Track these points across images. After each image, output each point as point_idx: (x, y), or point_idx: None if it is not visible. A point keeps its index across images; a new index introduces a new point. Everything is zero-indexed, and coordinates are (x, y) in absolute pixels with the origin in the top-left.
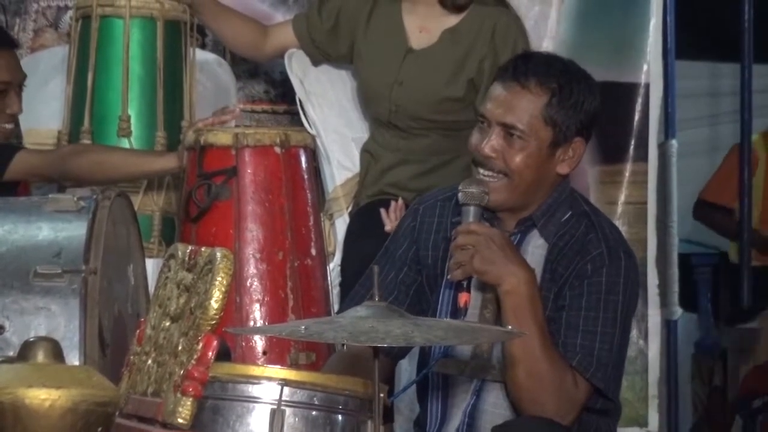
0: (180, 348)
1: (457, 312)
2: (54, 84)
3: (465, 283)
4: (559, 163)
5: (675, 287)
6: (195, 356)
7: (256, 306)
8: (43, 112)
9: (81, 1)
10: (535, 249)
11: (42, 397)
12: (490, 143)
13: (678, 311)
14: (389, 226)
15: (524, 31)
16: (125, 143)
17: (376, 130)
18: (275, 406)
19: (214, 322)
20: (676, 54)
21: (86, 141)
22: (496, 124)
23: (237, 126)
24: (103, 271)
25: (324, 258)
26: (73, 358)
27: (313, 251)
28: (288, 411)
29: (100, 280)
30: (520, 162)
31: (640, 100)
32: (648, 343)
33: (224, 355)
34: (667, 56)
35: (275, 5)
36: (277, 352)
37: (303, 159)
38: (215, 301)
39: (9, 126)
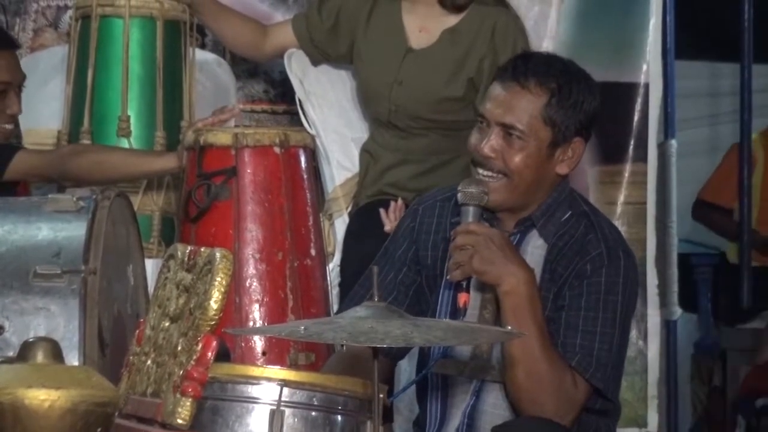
0: (179, 348)
1: (456, 312)
2: (54, 84)
3: (464, 284)
4: (559, 164)
5: (674, 287)
6: (194, 357)
7: (256, 306)
8: (43, 112)
9: (81, 1)
10: (535, 249)
11: (41, 397)
12: (490, 143)
13: (677, 311)
14: (389, 226)
15: (524, 31)
16: (125, 143)
17: (375, 130)
18: (275, 407)
19: (213, 322)
20: (676, 54)
21: (86, 141)
22: (495, 124)
23: (236, 126)
24: (102, 272)
25: (323, 258)
26: (73, 359)
27: (313, 251)
28: (287, 411)
29: (100, 280)
30: (519, 162)
31: (639, 100)
32: (647, 343)
33: (224, 355)
34: (666, 56)
35: (275, 5)
36: (276, 353)
37: (302, 159)
38: (214, 302)
39: (9, 126)
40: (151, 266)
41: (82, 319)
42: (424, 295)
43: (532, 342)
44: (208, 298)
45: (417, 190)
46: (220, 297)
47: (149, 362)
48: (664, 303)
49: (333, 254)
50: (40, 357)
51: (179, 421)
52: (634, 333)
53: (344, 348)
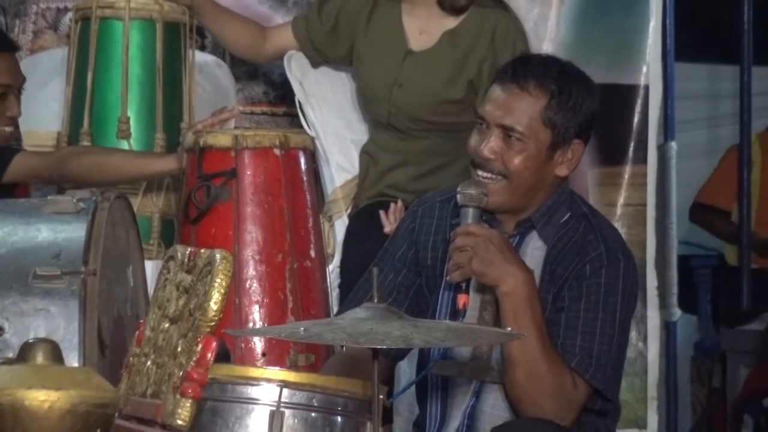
0: (179, 349)
1: (456, 313)
2: (53, 86)
3: (464, 285)
4: (558, 165)
5: (674, 289)
6: (194, 358)
7: (256, 307)
8: (43, 114)
9: (80, 3)
10: (534, 250)
11: (41, 398)
12: (489, 145)
13: (677, 313)
14: (388, 227)
15: (524, 33)
16: (124, 145)
17: (375, 131)
18: (274, 408)
19: (213, 323)
20: (676, 56)
21: (85, 142)
22: (495, 126)
23: (236, 128)
24: (102, 273)
25: (323, 260)
26: (73, 360)
27: (313, 253)
28: (287, 412)
29: (100, 281)
30: (519, 164)
31: (639, 102)
32: (647, 344)
33: (223, 356)
34: (666, 58)
35: (274, 7)
36: (276, 354)
37: (302, 161)
38: (214, 303)
39: (8, 129)
40: (151, 268)
41: (81, 320)
42: (423, 297)
43: (532, 343)
44: (207, 300)
45: (417, 192)
46: (219, 298)
47: (149, 363)
48: (663, 304)
49: (333, 256)
50: (39, 358)
51: (179, 422)
52: (633, 334)
53: (344, 349)
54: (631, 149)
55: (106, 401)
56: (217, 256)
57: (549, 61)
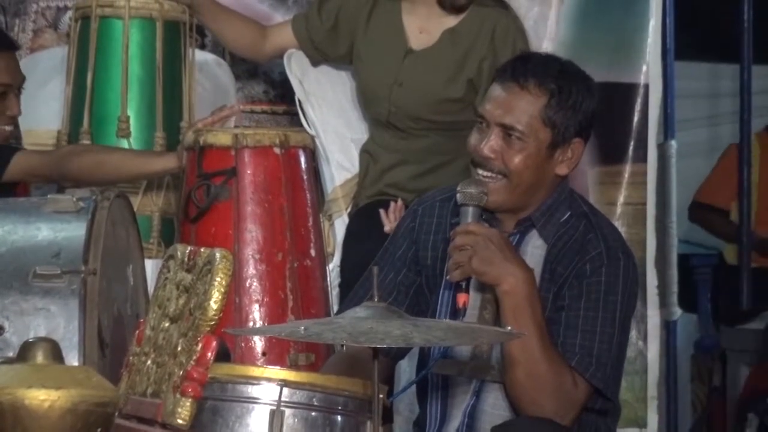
0: (179, 349)
1: (456, 313)
2: (53, 85)
3: (464, 284)
4: (558, 164)
5: (674, 288)
6: (194, 357)
7: (256, 307)
8: (43, 113)
9: (80, 2)
10: (534, 249)
11: (41, 397)
12: (489, 144)
13: (677, 312)
14: (388, 226)
15: (524, 32)
16: (124, 144)
17: (375, 130)
18: (274, 407)
19: (213, 322)
20: (676, 55)
21: (85, 141)
22: (494, 124)
23: (236, 126)
24: (102, 272)
25: (323, 259)
26: (73, 359)
27: (313, 252)
28: (287, 412)
29: (100, 280)
30: (519, 163)
31: (639, 101)
32: (647, 343)
33: (223, 355)
34: (666, 57)
35: (274, 6)
36: (276, 353)
37: (302, 160)
38: (214, 302)
39: (8, 128)
40: (151, 267)
41: (81, 319)
42: (423, 296)
43: (532, 342)
44: (207, 299)
45: (417, 191)
46: (219, 297)
47: (149, 362)
48: (663, 303)
49: (333, 255)
50: (40, 357)
51: (179, 421)
52: (633, 333)
53: (344, 348)
54: (631, 148)
55: (107, 400)
56: (217, 255)
57: (549, 60)
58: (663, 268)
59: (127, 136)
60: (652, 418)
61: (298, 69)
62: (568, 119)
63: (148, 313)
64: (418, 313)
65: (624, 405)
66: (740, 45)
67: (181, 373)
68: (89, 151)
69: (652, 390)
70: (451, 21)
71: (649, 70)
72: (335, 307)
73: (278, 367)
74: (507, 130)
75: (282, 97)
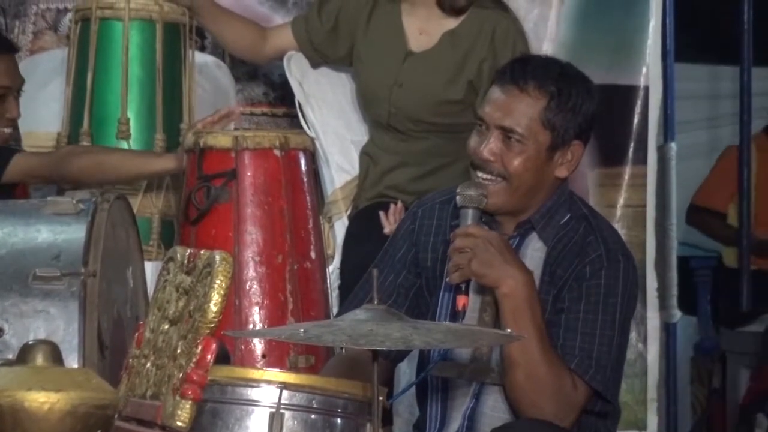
0: (179, 351)
1: (455, 315)
2: (53, 86)
3: (463, 286)
4: (558, 167)
5: (674, 290)
6: (194, 359)
7: (256, 309)
8: (43, 115)
9: (80, 4)
10: (534, 252)
11: (41, 400)
12: (489, 146)
13: (677, 314)
14: (388, 228)
15: (524, 34)
16: (124, 145)
17: (375, 132)
18: (274, 410)
19: (213, 325)
20: (676, 56)
21: (85, 143)
22: (494, 127)
23: (236, 129)
24: (102, 274)
25: (323, 261)
26: (72, 361)
27: (313, 254)
28: (287, 414)
29: (99, 282)
30: (518, 165)
31: (639, 103)
32: (647, 346)
33: (223, 358)
34: (666, 58)
35: (274, 7)
36: (276, 355)
37: (302, 162)
38: (214, 304)
39: (7, 130)
40: (151, 269)
41: (81, 321)
42: (423, 298)
43: (532, 344)
44: (207, 301)
45: (416, 193)
46: (219, 300)
47: (149, 365)
48: (663, 306)
49: (333, 257)
50: (39, 359)
51: (179, 423)
52: (633, 336)
53: (344, 351)
54: (630, 150)
55: (106, 403)
56: (217, 257)
57: (548, 62)
58: (663, 270)
59: (127, 137)
60: (652, 420)
61: (297, 71)
62: (568, 122)
63: (147, 315)
64: (418, 316)
65: (624, 407)
66: (740, 46)
67: (181, 375)
68: (88, 152)
69: (652, 392)
70: (451, 23)
71: (649, 71)
72: (335, 310)
73: (278, 370)
74: (506, 133)
75: (282, 99)
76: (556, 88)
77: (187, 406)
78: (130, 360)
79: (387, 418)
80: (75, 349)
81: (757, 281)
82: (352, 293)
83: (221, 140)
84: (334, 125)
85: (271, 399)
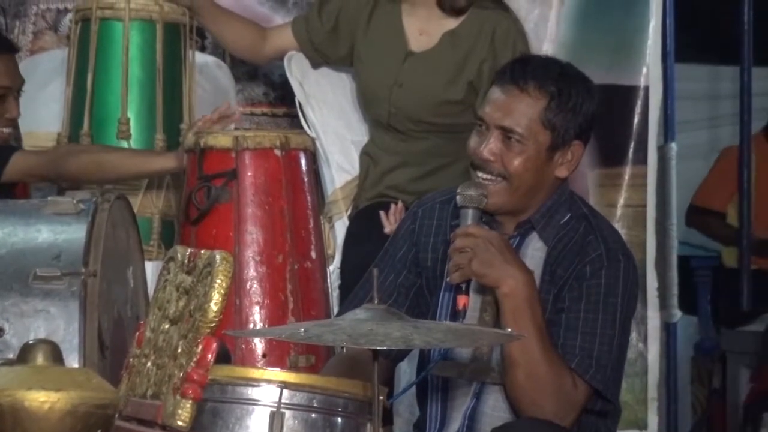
0: (179, 350)
1: (456, 315)
2: (53, 87)
3: (464, 286)
4: (558, 167)
5: (674, 290)
6: (194, 359)
7: (256, 308)
8: (43, 115)
9: (80, 4)
10: (534, 252)
11: (41, 399)
12: (489, 146)
13: (677, 314)
14: (388, 228)
15: (524, 34)
16: (124, 145)
17: (375, 132)
18: (275, 409)
19: (213, 324)
20: (676, 57)
21: (85, 143)
22: (494, 127)
23: (236, 128)
24: (102, 274)
25: (323, 261)
26: (73, 361)
27: (313, 254)
28: (287, 413)
29: (100, 282)
30: (518, 165)
31: (639, 103)
32: (647, 345)
33: (224, 357)
34: (666, 59)
35: (274, 8)
36: (276, 355)
37: (303, 162)
38: (215, 304)
39: (7, 130)
40: (151, 268)
41: (82, 321)
42: (424, 298)
43: (532, 344)
44: (208, 301)
45: (417, 193)
46: (220, 299)
47: (149, 364)
48: (664, 305)
49: (333, 257)
50: (40, 359)
51: (179, 423)
52: (634, 335)
53: (344, 350)
54: (631, 150)
55: (107, 402)
56: (218, 257)
57: (548, 62)
58: (663, 270)
59: (127, 137)
60: (652, 420)
61: (298, 71)
62: (568, 122)
63: (148, 314)
64: (418, 315)
65: (624, 407)
66: (740, 46)
67: (181, 374)
68: (87, 151)
69: (652, 392)
70: (451, 23)
71: (649, 71)
72: (335, 309)
73: (278, 369)
74: (506, 133)
75: (282, 99)
76: (557, 89)
77: (188, 405)
78: (131, 359)
79: (387, 418)
80: (75, 349)
81: (757, 281)
82: (352, 293)
83: (222, 140)
84: (335, 125)
85: (271, 398)
